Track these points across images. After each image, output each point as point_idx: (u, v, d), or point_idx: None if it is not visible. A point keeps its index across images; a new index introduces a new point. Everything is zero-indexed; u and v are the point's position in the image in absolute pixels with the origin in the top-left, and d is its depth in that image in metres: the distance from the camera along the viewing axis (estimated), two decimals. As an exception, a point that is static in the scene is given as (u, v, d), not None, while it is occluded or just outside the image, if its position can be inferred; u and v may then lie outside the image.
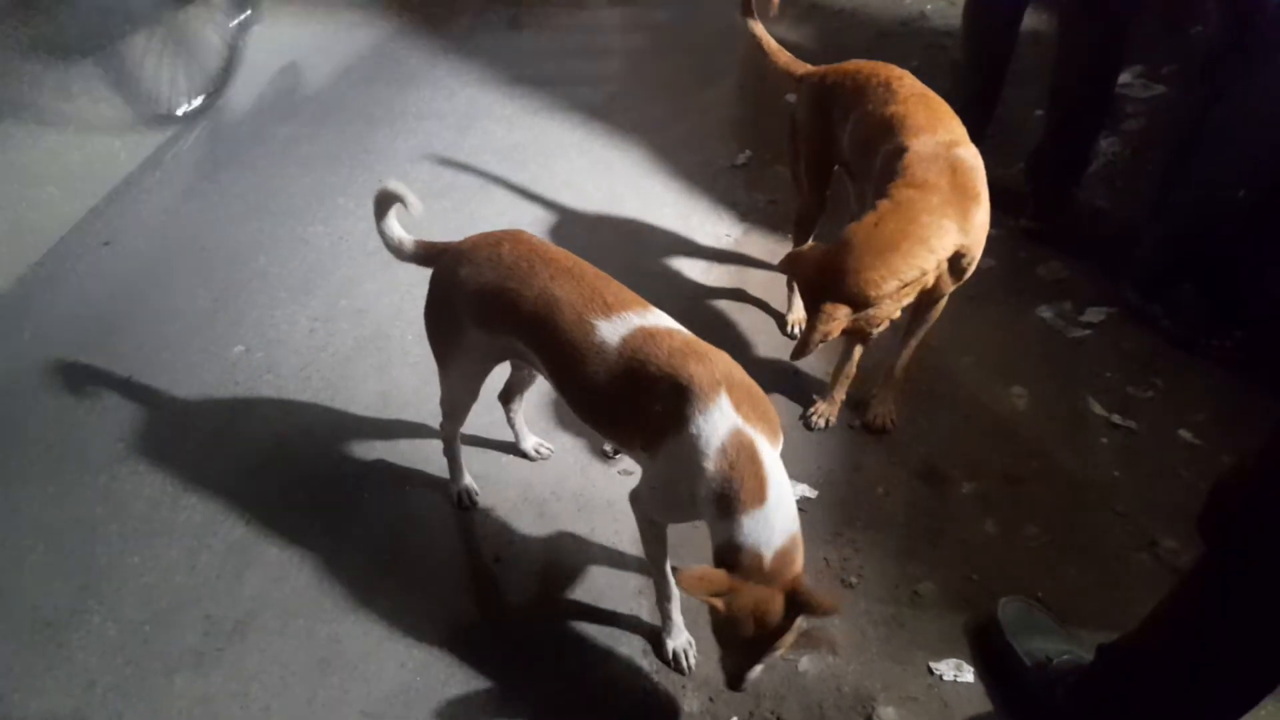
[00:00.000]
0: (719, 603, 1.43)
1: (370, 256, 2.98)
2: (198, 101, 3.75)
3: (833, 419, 2.38)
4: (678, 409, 1.53)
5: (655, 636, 1.92)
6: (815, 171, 2.39)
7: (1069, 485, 2.22)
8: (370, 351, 2.65)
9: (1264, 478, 1.28)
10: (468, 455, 2.21)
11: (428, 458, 2.30)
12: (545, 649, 1.94)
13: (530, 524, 2.18)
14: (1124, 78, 3.43)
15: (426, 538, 2.16)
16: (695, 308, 2.75)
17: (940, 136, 1.97)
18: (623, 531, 2.13)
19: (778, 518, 1.48)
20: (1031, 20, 3.12)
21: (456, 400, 2.02)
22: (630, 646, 1.93)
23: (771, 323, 2.71)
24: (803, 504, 2.19)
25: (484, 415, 2.22)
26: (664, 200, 3.24)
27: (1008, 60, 3.09)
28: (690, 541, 1.99)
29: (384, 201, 1.93)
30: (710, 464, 1.49)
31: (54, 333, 2.75)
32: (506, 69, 4.01)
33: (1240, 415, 2.30)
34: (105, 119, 3.66)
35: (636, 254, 2.96)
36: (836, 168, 2.38)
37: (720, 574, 1.46)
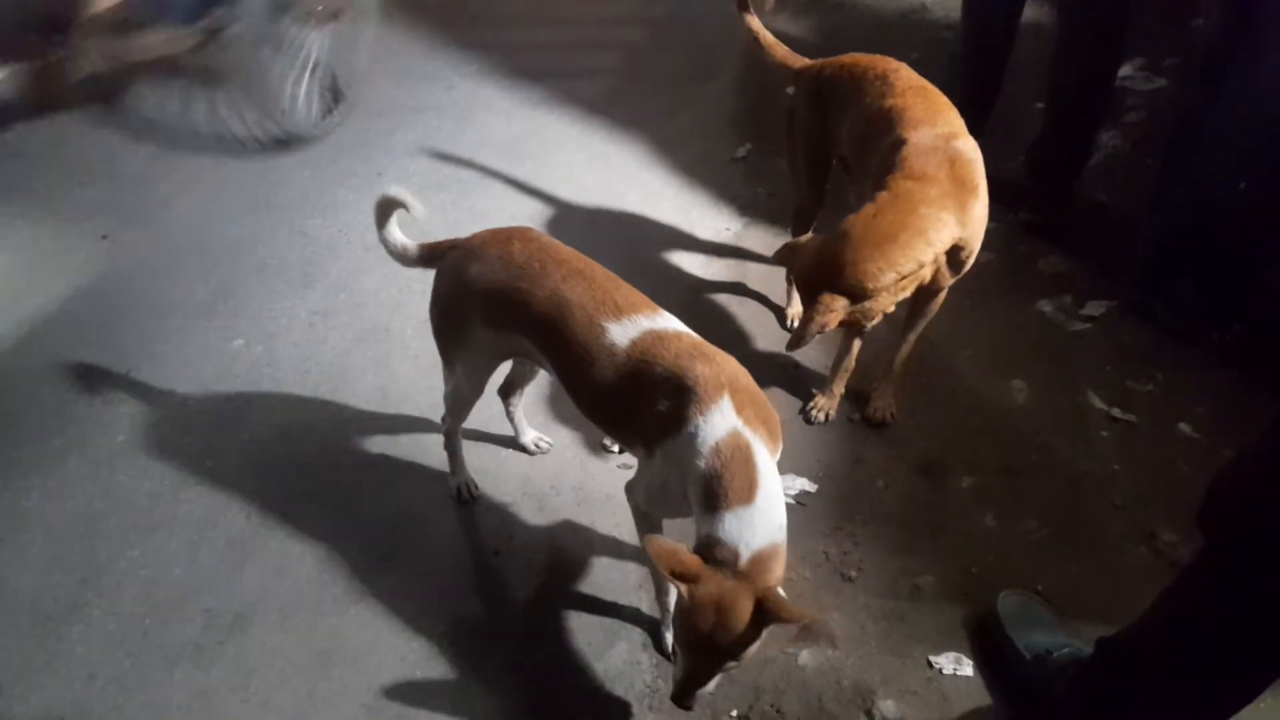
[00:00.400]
0: (683, 586, 1.41)
1: (369, 250, 2.97)
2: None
3: (832, 413, 2.38)
4: (680, 409, 1.54)
5: (655, 630, 1.93)
6: (813, 165, 2.39)
7: (1068, 479, 2.23)
8: (370, 345, 2.65)
9: (1262, 472, 1.28)
10: (467, 449, 2.21)
11: (427, 451, 2.30)
12: (545, 642, 1.94)
13: (530, 518, 2.18)
14: (1125, 71, 3.42)
15: (426, 531, 2.16)
16: (695, 301, 2.75)
17: (939, 129, 1.97)
18: (622, 525, 2.13)
19: (762, 521, 1.46)
20: (1032, 13, 3.12)
21: (461, 397, 2.02)
22: (630, 640, 1.93)
23: (771, 316, 2.71)
24: (802, 498, 2.19)
25: (483, 409, 2.22)
26: (663, 194, 3.23)
27: (1008, 53, 3.09)
28: (689, 537, 1.98)
29: (385, 209, 1.92)
30: (703, 462, 1.50)
31: (52, 326, 2.75)
32: (505, 62, 4.00)
33: (1239, 409, 2.29)
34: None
35: (636, 248, 2.96)
36: (835, 161, 2.38)
37: (693, 556, 1.45)
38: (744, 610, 1.41)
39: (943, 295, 2.16)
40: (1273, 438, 1.28)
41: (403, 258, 1.97)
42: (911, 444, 2.33)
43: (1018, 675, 1.80)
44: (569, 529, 2.15)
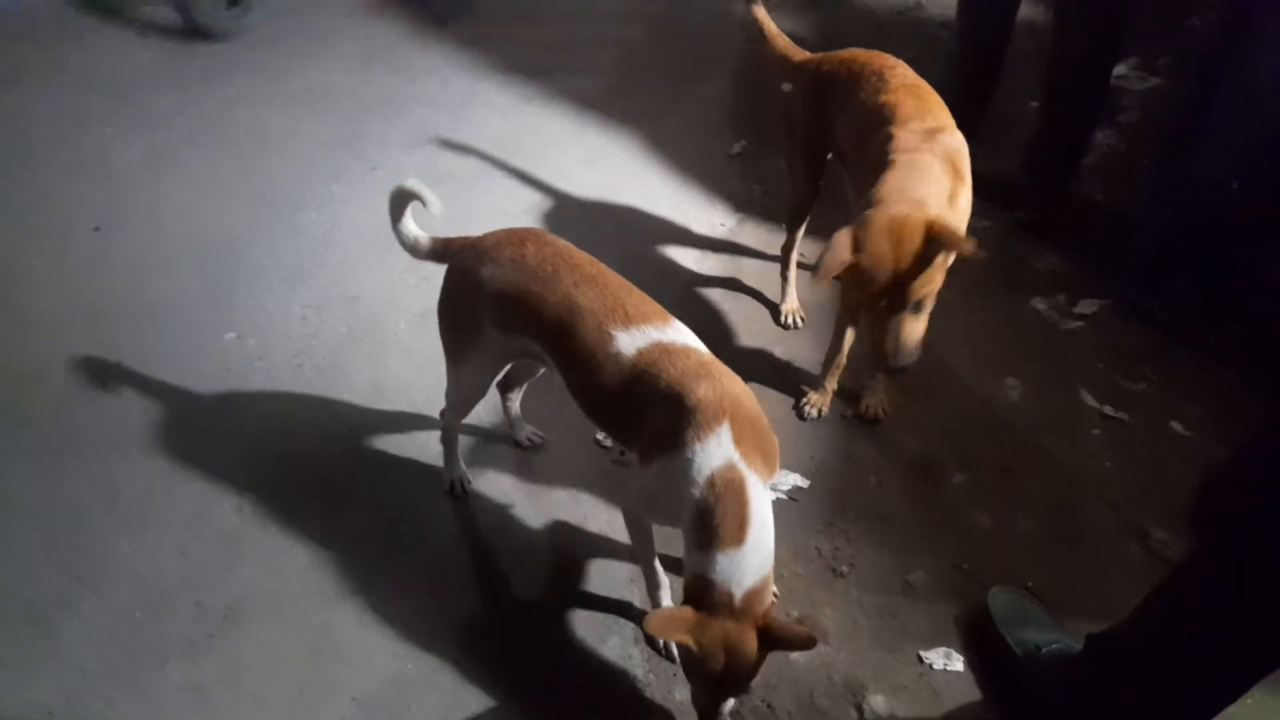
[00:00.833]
0: (689, 640, 1.45)
1: (363, 244, 2.97)
2: None
3: (825, 408, 2.38)
4: (678, 430, 1.53)
5: (647, 625, 1.93)
6: (809, 159, 2.39)
7: (1061, 476, 2.23)
8: (363, 339, 2.64)
9: (1254, 471, 1.28)
10: (461, 444, 2.20)
11: (421, 445, 2.29)
12: (537, 637, 1.94)
13: (523, 513, 2.18)
14: (1120, 69, 3.43)
15: (419, 526, 2.16)
16: (689, 297, 2.75)
17: (927, 124, 1.99)
18: (615, 520, 2.12)
19: (752, 560, 1.48)
20: (1027, 11, 3.12)
21: (464, 396, 2.01)
22: (622, 634, 1.93)
23: (765, 312, 2.71)
24: (795, 493, 2.19)
25: (478, 404, 2.22)
26: (659, 190, 3.23)
27: (1003, 51, 3.09)
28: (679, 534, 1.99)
29: (400, 200, 1.92)
30: (697, 491, 1.50)
31: (44, 318, 2.74)
32: (501, 57, 4.00)
33: (1232, 408, 2.31)
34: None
35: (632, 243, 2.96)
36: (830, 156, 2.38)
37: (686, 613, 1.47)
38: (749, 645, 1.47)
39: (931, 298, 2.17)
40: (1265, 437, 1.28)
41: (415, 250, 1.96)
42: (904, 441, 2.33)
43: (1008, 671, 1.80)
44: (562, 524, 2.15)
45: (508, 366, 1.98)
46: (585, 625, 1.95)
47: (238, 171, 3.34)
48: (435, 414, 2.14)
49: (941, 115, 2.03)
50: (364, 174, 3.30)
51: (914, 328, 1.93)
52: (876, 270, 1.82)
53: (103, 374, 2.53)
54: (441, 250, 1.93)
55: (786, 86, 2.55)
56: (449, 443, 2.16)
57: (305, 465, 2.29)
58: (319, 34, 4.19)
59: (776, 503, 2.14)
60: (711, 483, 1.49)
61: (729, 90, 3.82)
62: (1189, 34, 3.53)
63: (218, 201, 3.20)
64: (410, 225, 1.96)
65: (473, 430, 2.33)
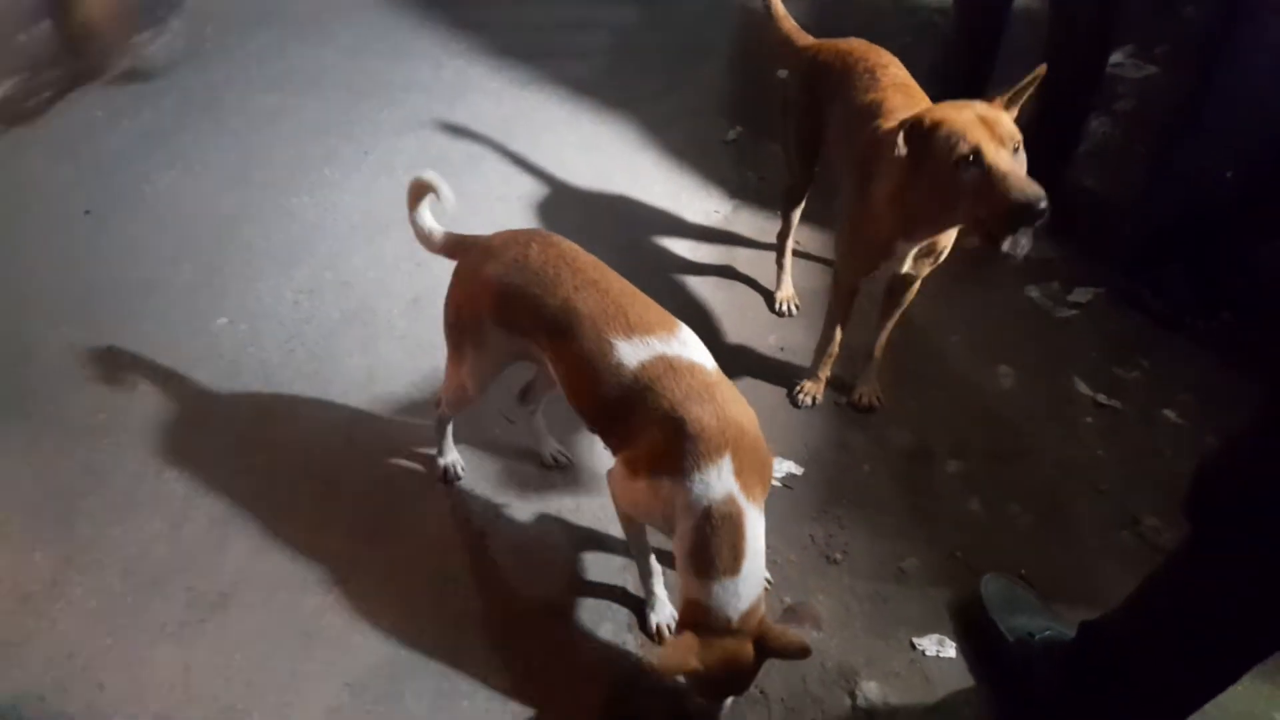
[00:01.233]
0: (697, 665, 1.47)
1: (355, 229, 2.95)
2: None
3: (819, 397, 2.38)
4: (678, 456, 1.51)
5: (640, 611, 1.93)
6: (804, 145, 2.39)
7: (1053, 464, 2.24)
8: (356, 325, 2.63)
9: (1248, 460, 1.28)
10: (454, 430, 2.19)
11: (413, 431, 2.28)
12: (530, 623, 1.94)
13: (516, 499, 2.18)
14: (1115, 58, 3.42)
15: (411, 512, 2.15)
16: (683, 285, 2.74)
17: None
18: (608, 507, 2.10)
19: (747, 587, 1.49)
20: (1023, -1, 3.11)
21: (463, 394, 1.98)
22: (615, 621, 1.93)
23: (759, 300, 2.70)
24: (789, 481, 2.19)
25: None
26: (653, 176, 3.21)
27: (998, 39, 3.08)
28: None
29: (418, 191, 1.90)
30: (693, 519, 1.49)
31: (34, 302, 2.71)
32: (494, 41, 3.97)
33: (1224, 396, 2.31)
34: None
35: (625, 230, 2.94)
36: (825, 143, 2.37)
37: (689, 640, 1.49)
38: (747, 656, 1.50)
39: (917, 285, 2.18)
40: (1260, 426, 1.28)
41: (427, 242, 1.95)
42: (898, 429, 2.33)
43: (1000, 658, 1.81)
44: (555, 511, 2.15)
45: (508, 367, 1.95)
46: (579, 612, 1.95)
47: (228, 154, 3.31)
48: (428, 399, 2.12)
49: None
50: (356, 158, 3.28)
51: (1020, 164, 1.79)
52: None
53: (94, 358, 2.52)
54: (454, 246, 1.91)
55: (783, 73, 2.53)
56: (442, 429, 2.15)
57: (297, 450, 2.28)
58: (310, 16, 4.16)
59: (770, 491, 2.14)
60: (709, 515, 1.48)
61: (724, 74, 3.80)
62: (1185, 23, 3.53)
63: (208, 185, 3.17)
64: (427, 217, 1.94)
65: (467, 416, 2.31)
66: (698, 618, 1.50)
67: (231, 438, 2.31)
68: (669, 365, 1.57)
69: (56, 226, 3.00)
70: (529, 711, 1.79)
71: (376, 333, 2.60)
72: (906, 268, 2.04)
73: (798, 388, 2.39)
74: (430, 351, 2.00)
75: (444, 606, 1.96)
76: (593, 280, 1.68)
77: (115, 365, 2.50)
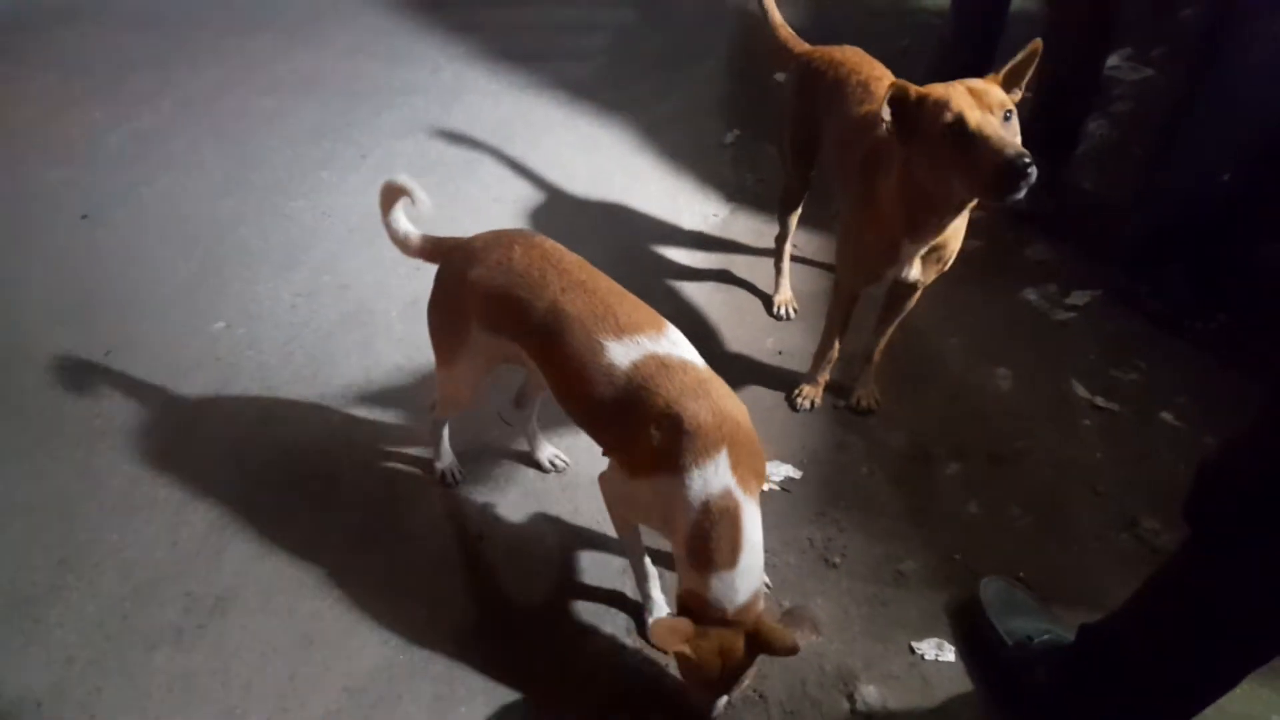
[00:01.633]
0: (687, 650, 1.48)
1: (353, 232, 2.95)
2: None
3: (818, 400, 2.38)
4: (675, 453, 1.51)
5: (638, 615, 1.92)
6: (801, 149, 2.39)
7: (1052, 466, 2.23)
8: (353, 327, 2.63)
9: (1247, 462, 1.28)
10: (451, 433, 2.19)
11: (411, 434, 2.28)
12: (529, 627, 1.93)
13: (514, 502, 2.17)
14: (1113, 60, 3.43)
15: (409, 515, 2.15)
16: (681, 288, 2.74)
17: None
18: (605, 513, 2.12)
19: (744, 580, 1.50)
20: (1021, 1, 3.11)
21: (455, 397, 1.98)
22: (614, 625, 1.93)
23: (757, 303, 2.70)
24: (787, 484, 2.19)
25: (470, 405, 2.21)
26: (651, 179, 3.22)
27: (996, 40, 3.08)
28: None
29: (389, 195, 1.88)
30: (691, 514, 1.50)
31: (30, 305, 2.71)
32: (492, 44, 3.97)
33: (1222, 398, 2.31)
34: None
35: (623, 232, 2.94)
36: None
37: (684, 624, 1.50)
38: (739, 651, 1.51)
39: (917, 295, 2.17)
40: (1258, 427, 1.28)
41: (404, 246, 1.93)
42: (896, 431, 2.33)
43: (999, 661, 1.80)
44: (553, 515, 2.15)
45: (496, 369, 1.94)
46: (577, 615, 1.94)
47: (225, 157, 3.31)
48: (427, 401, 2.12)
49: None
50: (354, 161, 3.28)
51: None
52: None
53: (91, 362, 2.51)
54: (432, 249, 1.89)
55: (780, 76, 2.53)
56: (438, 433, 2.15)
57: (296, 453, 2.28)
58: (308, 18, 4.16)
59: (769, 494, 2.14)
60: (707, 509, 1.49)
61: (721, 77, 3.81)
62: (1182, 25, 3.53)
63: (206, 187, 3.17)
64: (401, 220, 1.91)
65: (464, 420, 2.31)
66: (694, 607, 1.52)
67: (230, 441, 2.31)
68: (661, 363, 1.57)
69: (54, 230, 2.99)
70: (527, 715, 1.78)
71: (374, 334, 2.60)
72: (914, 274, 2.02)
73: (796, 391, 2.39)
74: (428, 354, 1.98)
75: (442, 610, 1.96)
76: (580, 281, 1.67)
77: (114, 369, 2.49)
